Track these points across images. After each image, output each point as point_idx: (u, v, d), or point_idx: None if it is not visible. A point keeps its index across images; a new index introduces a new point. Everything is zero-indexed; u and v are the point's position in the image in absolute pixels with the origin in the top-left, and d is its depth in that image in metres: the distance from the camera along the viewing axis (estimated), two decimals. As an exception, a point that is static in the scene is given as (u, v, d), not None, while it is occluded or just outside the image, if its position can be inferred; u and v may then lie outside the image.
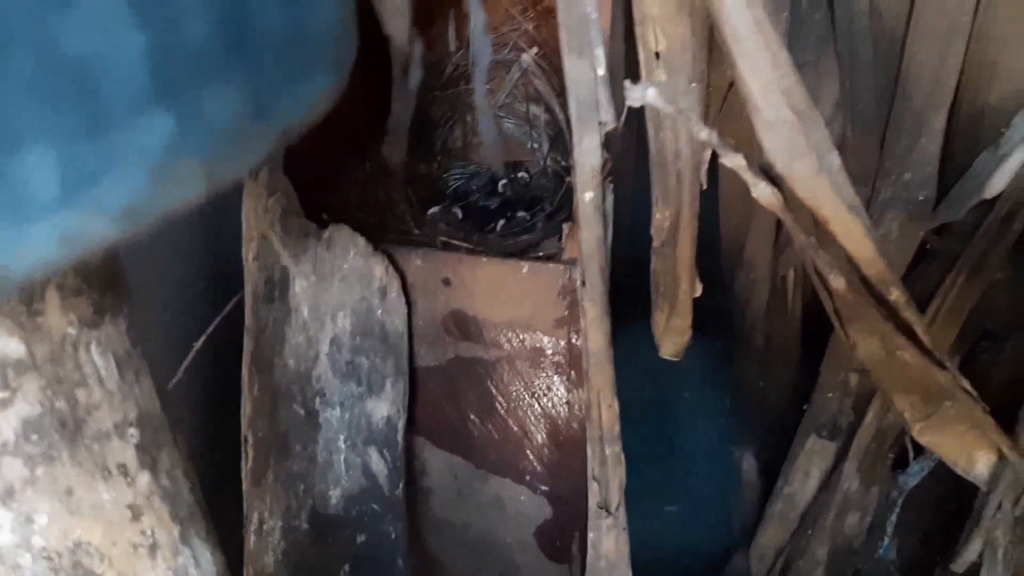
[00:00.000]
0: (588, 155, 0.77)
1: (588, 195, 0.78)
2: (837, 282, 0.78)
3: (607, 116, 0.77)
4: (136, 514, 0.57)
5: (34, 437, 0.52)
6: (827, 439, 1.16)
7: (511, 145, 1.30)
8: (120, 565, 0.57)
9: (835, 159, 0.75)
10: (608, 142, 0.88)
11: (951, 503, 1.24)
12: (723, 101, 1.05)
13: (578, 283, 0.84)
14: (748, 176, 0.73)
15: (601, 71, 0.75)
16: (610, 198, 0.84)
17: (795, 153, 0.74)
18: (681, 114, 0.69)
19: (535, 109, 1.29)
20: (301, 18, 0.29)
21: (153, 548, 0.58)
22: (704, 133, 0.68)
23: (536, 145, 1.29)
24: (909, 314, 0.79)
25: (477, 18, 0.33)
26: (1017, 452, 0.83)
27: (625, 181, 1.16)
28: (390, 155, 0.43)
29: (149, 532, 0.58)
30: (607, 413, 0.86)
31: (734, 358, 1.28)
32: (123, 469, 0.56)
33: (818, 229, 0.80)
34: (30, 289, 0.51)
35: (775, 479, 1.28)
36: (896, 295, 0.78)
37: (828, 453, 1.17)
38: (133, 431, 0.57)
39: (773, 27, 0.72)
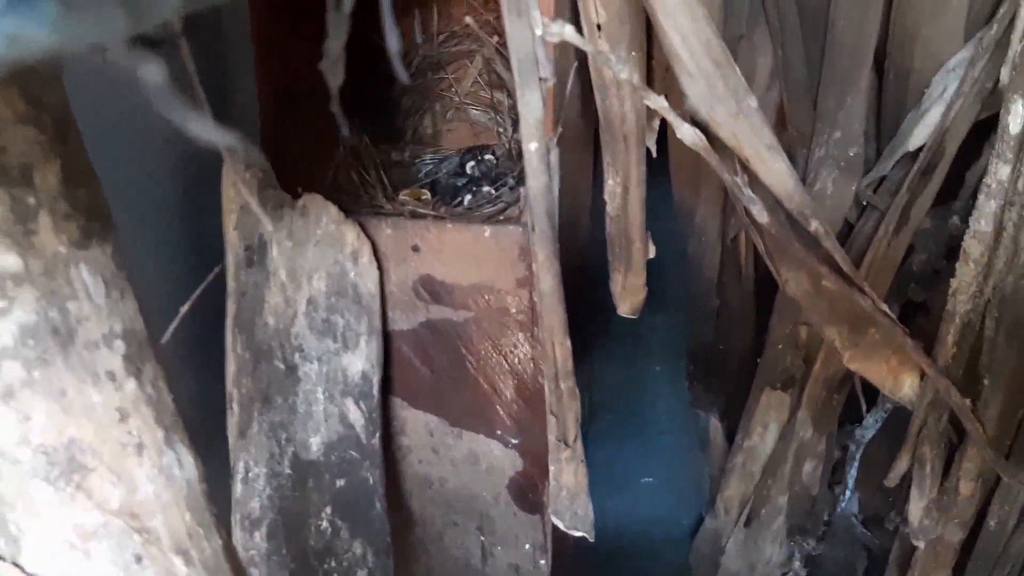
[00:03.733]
0: (531, 108, 0.85)
1: (533, 145, 0.86)
2: (762, 217, 0.85)
3: (546, 72, 0.85)
4: (124, 416, 0.64)
5: (31, 342, 0.60)
6: (781, 390, 1.23)
7: (477, 130, 1.39)
8: (110, 461, 0.64)
9: (752, 102, 0.83)
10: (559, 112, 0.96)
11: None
12: (666, 70, 1.13)
13: (528, 228, 0.92)
14: (672, 118, 0.80)
15: (539, 31, 0.83)
16: (555, 152, 0.91)
17: (715, 98, 0.82)
18: (600, 55, 0.76)
19: (499, 95, 1.37)
20: None
21: (140, 447, 0.65)
22: (625, 73, 0.76)
23: (501, 129, 1.38)
24: (829, 244, 0.86)
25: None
26: (936, 371, 0.90)
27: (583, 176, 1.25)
28: (329, 77, 0.50)
29: (136, 433, 0.65)
30: (560, 350, 0.93)
31: (691, 322, 1.36)
32: (111, 375, 0.63)
33: (742, 169, 0.87)
34: (26, 214, 0.59)
35: (739, 438, 1.35)
36: (815, 226, 0.85)
37: (784, 405, 1.24)
38: (119, 343, 0.64)
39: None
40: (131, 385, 0.64)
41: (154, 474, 0.66)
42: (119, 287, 0.64)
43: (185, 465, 0.68)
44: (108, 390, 0.63)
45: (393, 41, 0.44)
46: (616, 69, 0.78)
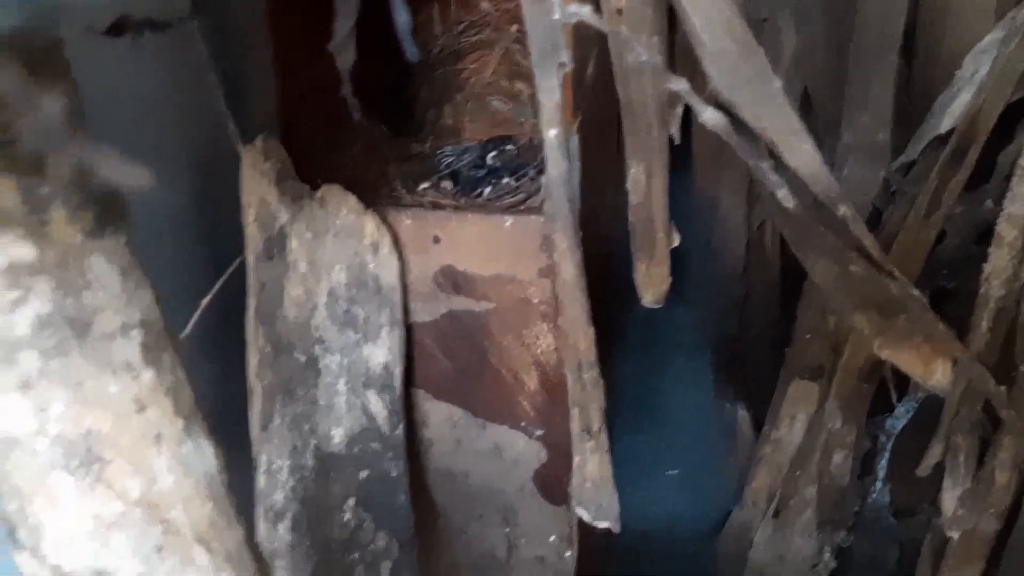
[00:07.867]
0: (549, 94, 0.84)
1: (552, 132, 0.85)
2: (788, 201, 0.84)
3: (565, 58, 0.83)
4: (141, 406, 0.64)
5: (47, 332, 0.59)
6: (809, 380, 1.21)
7: (498, 120, 1.37)
8: (128, 452, 0.64)
9: (776, 84, 0.81)
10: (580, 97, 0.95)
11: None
12: (688, 57, 1.11)
13: (549, 216, 0.91)
14: (694, 101, 0.79)
15: (557, 15, 0.82)
16: (575, 138, 0.90)
17: (738, 80, 0.81)
18: (621, 37, 0.75)
19: (520, 85, 1.36)
20: None
21: (159, 438, 0.65)
22: (645, 55, 0.75)
23: (523, 120, 1.36)
24: (857, 228, 0.84)
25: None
26: (970, 358, 0.88)
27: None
28: (339, 57, 0.50)
29: (154, 423, 0.64)
30: (583, 339, 0.91)
31: (715, 312, 1.34)
32: (128, 365, 0.63)
33: (767, 154, 0.86)
34: (39, 204, 0.58)
35: (767, 428, 1.33)
36: (843, 210, 0.83)
37: (812, 395, 1.22)
38: (136, 332, 0.63)
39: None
40: (149, 375, 0.64)
41: (173, 464, 0.65)
42: (135, 277, 0.64)
43: (205, 455, 0.67)
44: (125, 380, 0.63)
45: (401, 15, 0.43)
46: (637, 52, 0.77)
